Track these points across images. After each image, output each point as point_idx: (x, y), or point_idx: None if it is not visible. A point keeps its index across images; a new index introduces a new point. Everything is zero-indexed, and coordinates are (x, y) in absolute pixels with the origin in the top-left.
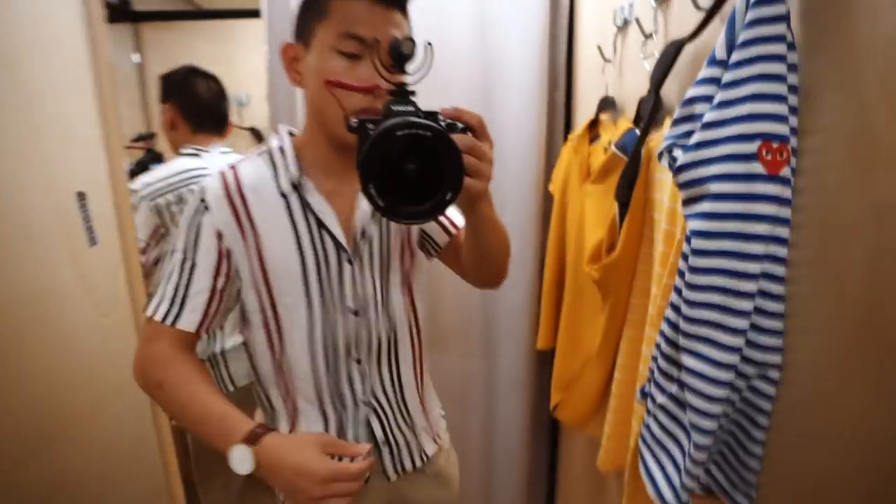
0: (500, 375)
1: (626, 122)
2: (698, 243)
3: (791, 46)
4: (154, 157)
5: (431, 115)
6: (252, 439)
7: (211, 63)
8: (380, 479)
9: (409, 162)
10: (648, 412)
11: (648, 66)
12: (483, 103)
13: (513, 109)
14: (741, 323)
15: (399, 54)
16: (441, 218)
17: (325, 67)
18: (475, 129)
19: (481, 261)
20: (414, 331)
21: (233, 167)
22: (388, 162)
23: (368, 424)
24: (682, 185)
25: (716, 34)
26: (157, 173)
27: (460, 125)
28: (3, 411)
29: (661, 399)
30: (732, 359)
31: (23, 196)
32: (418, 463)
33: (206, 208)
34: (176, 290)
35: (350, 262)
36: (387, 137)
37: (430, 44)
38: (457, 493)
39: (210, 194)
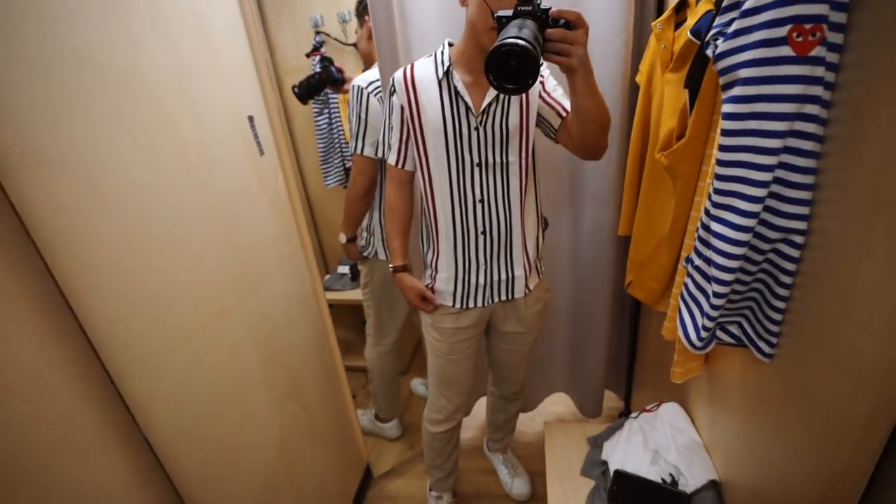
0: (584, 259)
1: (706, 4)
2: (728, 124)
3: None
4: (330, 62)
5: (545, 11)
6: (395, 270)
7: None
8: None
9: (510, 61)
10: (688, 274)
11: None
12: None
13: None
14: (758, 192)
15: None
16: (555, 105)
17: None
18: (574, 21)
19: (584, 126)
20: (524, 185)
21: (411, 64)
22: (498, 62)
23: (480, 249)
24: (720, 72)
25: None
26: (375, 73)
27: (562, 20)
28: (227, 264)
29: (697, 262)
30: (750, 222)
31: (220, 120)
32: (504, 296)
33: (394, 91)
34: (386, 141)
35: (476, 129)
36: (497, 50)
37: None
38: (533, 334)
39: (396, 81)
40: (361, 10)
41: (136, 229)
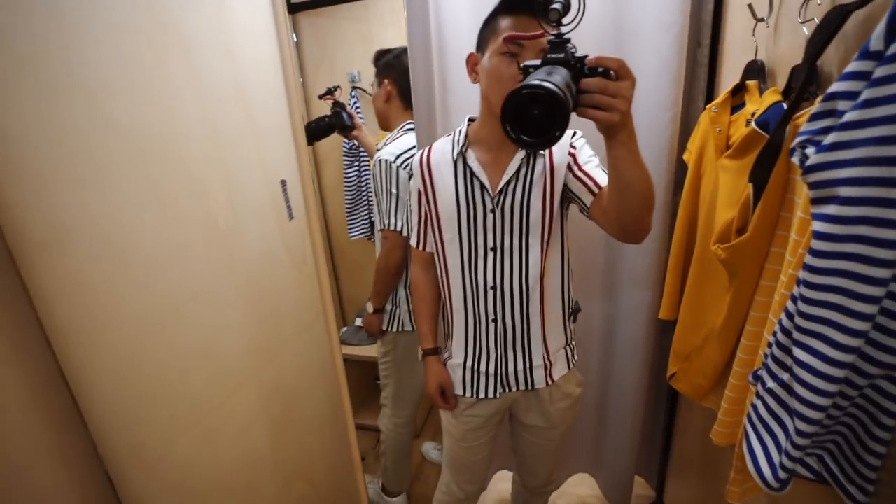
0: (620, 341)
1: (773, 94)
2: (820, 245)
3: None
4: (342, 107)
5: (580, 60)
6: (424, 354)
7: (353, 40)
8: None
9: (534, 109)
10: (757, 395)
11: (807, 30)
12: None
13: (647, 68)
14: (860, 325)
15: (554, 13)
16: (586, 180)
17: (494, 65)
18: (616, 70)
19: (623, 201)
20: (544, 270)
21: (430, 145)
22: (518, 109)
23: (492, 337)
24: (811, 186)
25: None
26: (400, 145)
27: (601, 70)
28: (248, 335)
29: (770, 384)
30: (846, 358)
31: (253, 186)
32: (521, 386)
33: (411, 175)
34: (409, 222)
35: (493, 211)
36: (516, 94)
37: None
38: (559, 430)
39: (414, 165)
40: (381, 69)
41: (156, 304)
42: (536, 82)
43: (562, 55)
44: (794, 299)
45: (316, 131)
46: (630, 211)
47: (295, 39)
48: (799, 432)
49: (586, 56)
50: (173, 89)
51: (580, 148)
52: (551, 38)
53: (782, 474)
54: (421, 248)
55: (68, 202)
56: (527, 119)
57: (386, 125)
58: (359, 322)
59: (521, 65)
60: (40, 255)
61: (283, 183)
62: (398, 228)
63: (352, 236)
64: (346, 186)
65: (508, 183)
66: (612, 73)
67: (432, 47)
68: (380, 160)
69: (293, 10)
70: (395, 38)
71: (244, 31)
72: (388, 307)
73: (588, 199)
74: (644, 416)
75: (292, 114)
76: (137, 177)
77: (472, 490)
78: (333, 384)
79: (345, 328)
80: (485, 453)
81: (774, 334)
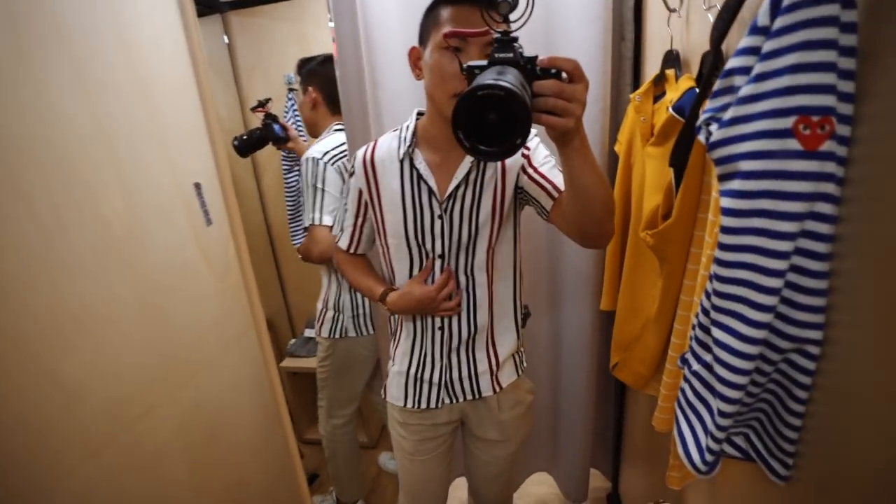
0: (568, 336)
1: (687, 81)
2: (728, 221)
3: (847, 4)
4: (273, 119)
5: (531, 61)
6: (383, 297)
7: (287, 41)
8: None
9: (489, 113)
10: (685, 378)
11: (712, 17)
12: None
13: None
14: (768, 300)
15: (504, 6)
16: (544, 183)
17: (435, 61)
18: (570, 72)
19: (584, 208)
20: (491, 276)
21: (375, 141)
22: (472, 114)
23: (437, 344)
24: (716, 162)
25: None
26: (328, 143)
27: (553, 70)
28: (157, 354)
29: (695, 366)
30: (758, 333)
31: (160, 191)
32: (468, 395)
33: (353, 173)
34: (340, 222)
35: (440, 217)
36: (470, 96)
37: None
38: (511, 446)
39: (356, 163)
40: (305, 76)
41: (33, 325)
42: (492, 82)
43: (510, 55)
44: (711, 279)
45: (248, 144)
46: (591, 217)
47: (227, 41)
48: (721, 413)
49: (536, 56)
50: (52, 87)
51: (535, 148)
52: (498, 35)
53: (709, 457)
54: (353, 250)
55: None
56: (481, 125)
57: (314, 132)
58: (308, 332)
59: (465, 65)
60: None
61: (198, 186)
62: (324, 223)
63: (295, 243)
64: (286, 192)
65: (458, 188)
66: (564, 75)
67: (361, 43)
68: (307, 159)
69: (223, 9)
70: (329, 39)
71: (144, 24)
72: (331, 313)
73: (547, 203)
74: (595, 409)
75: (206, 114)
76: (3, 183)
77: None
78: (270, 400)
79: (293, 340)
80: (440, 470)
81: (696, 316)
